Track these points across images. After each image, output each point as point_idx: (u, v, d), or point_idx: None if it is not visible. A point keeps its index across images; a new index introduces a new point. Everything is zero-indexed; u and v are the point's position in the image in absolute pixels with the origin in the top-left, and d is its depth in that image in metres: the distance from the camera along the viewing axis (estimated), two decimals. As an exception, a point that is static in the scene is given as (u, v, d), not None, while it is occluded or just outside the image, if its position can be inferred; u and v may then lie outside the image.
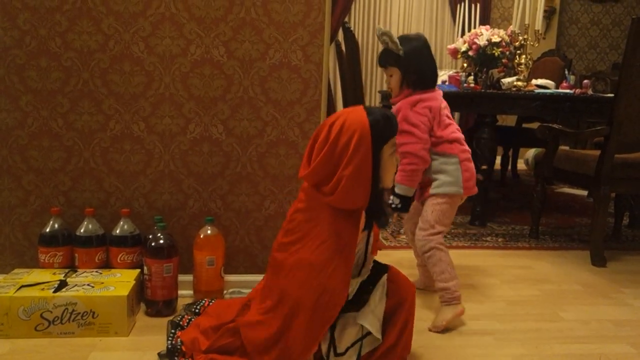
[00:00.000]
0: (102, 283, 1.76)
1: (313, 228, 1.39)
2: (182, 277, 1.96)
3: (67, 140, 1.94)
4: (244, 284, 2.07)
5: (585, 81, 3.45)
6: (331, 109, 5.86)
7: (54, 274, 1.82)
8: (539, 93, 3.11)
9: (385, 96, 5.06)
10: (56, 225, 1.89)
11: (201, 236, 1.94)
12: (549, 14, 5.91)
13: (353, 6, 5.64)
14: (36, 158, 1.93)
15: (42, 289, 1.69)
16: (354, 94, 3.81)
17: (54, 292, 1.68)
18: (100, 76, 1.92)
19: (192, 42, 1.94)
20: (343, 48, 4.09)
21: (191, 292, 2.00)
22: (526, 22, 3.80)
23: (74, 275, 1.82)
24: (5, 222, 1.95)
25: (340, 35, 4.22)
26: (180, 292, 1.94)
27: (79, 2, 1.88)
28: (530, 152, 5.16)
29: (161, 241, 1.84)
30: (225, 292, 2.02)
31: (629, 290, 2.37)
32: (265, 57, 1.98)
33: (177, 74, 1.95)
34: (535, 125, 4.12)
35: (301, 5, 1.96)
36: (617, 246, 3.05)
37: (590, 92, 3.34)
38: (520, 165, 5.72)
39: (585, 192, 4.59)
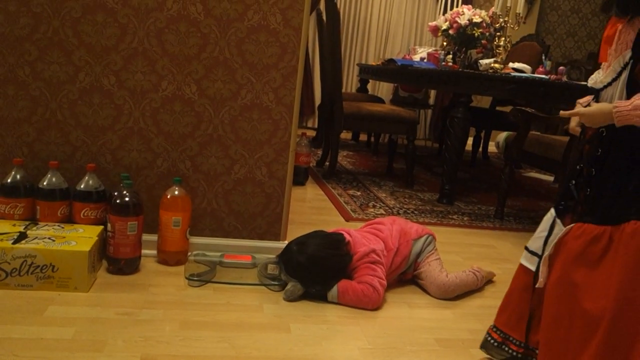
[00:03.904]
0: (64, 237, 1.73)
1: None
2: (146, 237, 1.94)
3: (33, 90, 1.88)
4: (209, 247, 2.06)
5: (561, 68, 3.48)
6: (308, 77, 5.81)
7: (14, 225, 1.78)
8: (514, 76, 3.13)
9: (364, 69, 5.04)
10: (18, 176, 1.84)
11: (168, 196, 1.92)
12: (530, -1, 5.92)
13: (337, -25, 5.56)
14: (0, 107, 1.87)
15: (1, 240, 1.65)
16: (332, 64, 3.77)
17: (13, 243, 1.64)
18: (71, 26, 1.86)
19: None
20: (324, 17, 4.04)
21: (155, 252, 1.98)
22: (508, 4, 3.80)
23: (34, 227, 1.78)
24: (-35, 170, 1.90)
25: (323, 5, 4.16)
26: (143, 251, 1.92)
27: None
28: (502, 136, 5.22)
29: (126, 198, 1.81)
30: (189, 254, 2.01)
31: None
32: (244, 17, 1.93)
33: (152, 29, 1.90)
34: (509, 109, 4.16)
35: (283, -32, 1.92)
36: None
37: (564, 79, 3.37)
38: (492, 148, 5.79)
39: (551, 178, 4.68)
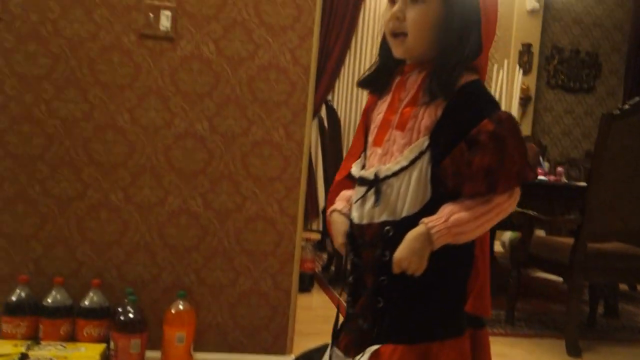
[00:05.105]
0: (65, 358, 1.69)
1: None
2: (149, 353, 1.90)
3: (42, 207, 1.92)
4: (213, 362, 2.01)
5: (559, 169, 3.55)
6: (311, 179, 5.91)
7: (16, 345, 1.74)
8: (514, 178, 3.18)
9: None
10: (22, 294, 1.83)
11: (172, 311, 1.89)
12: (524, 101, 6.14)
13: (336, 84, 5.81)
14: (8, 223, 1.90)
15: (1, 362, 1.62)
16: (334, 170, 3.86)
17: (13, 365, 1.61)
18: (82, 145, 1.92)
19: (177, 115, 1.97)
20: (325, 124, 4.18)
21: (158, 369, 1.93)
22: (503, 108, 3.94)
23: (36, 348, 1.74)
24: (-30, 289, 1.89)
25: (324, 112, 4.33)
26: (146, 369, 1.87)
27: (67, 71, 1.91)
28: (507, 235, 5.21)
29: (130, 315, 1.79)
30: (193, 370, 1.95)
31: (604, 382, 2.34)
32: (248, 133, 2.01)
33: (159, 146, 1.96)
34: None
35: (285, 85, 2.02)
36: (593, 336, 3.03)
37: (564, 179, 3.43)
38: (497, 246, 5.76)
39: (561, 278, 4.61)
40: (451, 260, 1.06)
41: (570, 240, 2.82)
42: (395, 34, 1.07)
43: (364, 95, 6.00)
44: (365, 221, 1.09)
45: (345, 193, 1.20)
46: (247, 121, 2.00)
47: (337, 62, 5.60)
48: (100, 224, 1.95)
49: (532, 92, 6.32)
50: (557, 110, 6.58)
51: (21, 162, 1.90)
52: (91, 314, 1.85)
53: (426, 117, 1.04)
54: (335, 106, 4.51)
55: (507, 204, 1.02)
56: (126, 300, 1.83)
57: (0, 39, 1.87)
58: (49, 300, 1.83)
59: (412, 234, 1.01)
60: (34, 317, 1.83)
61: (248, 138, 2.01)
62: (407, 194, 1.04)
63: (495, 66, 3.88)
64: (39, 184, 1.91)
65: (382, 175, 1.06)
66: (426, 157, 1.03)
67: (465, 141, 0.99)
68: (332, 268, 3.90)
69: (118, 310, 1.81)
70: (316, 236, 5.48)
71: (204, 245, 2.00)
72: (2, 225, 1.89)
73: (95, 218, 1.95)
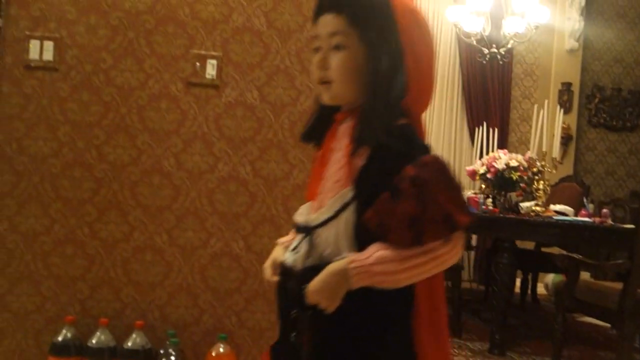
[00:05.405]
0: (108, 399, 1.71)
1: None
2: (189, 397, 1.90)
3: (90, 249, 1.97)
4: (252, 407, 1.99)
5: (604, 210, 3.45)
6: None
7: (61, 386, 1.78)
8: (558, 220, 3.12)
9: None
10: (69, 335, 1.87)
11: (213, 354, 1.90)
12: (565, 140, 6.05)
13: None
14: (58, 265, 1.96)
15: (47, 403, 1.65)
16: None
17: (59, 407, 1.63)
18: (129, 188, 1.99)
19: (221, 159, 2.02)
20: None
21: (198, 413, 1.92)
22: (543, 148, 3.89)
23: (80, 388, 1.77)
24: (19, 328, 1.94)
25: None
26: (186, 412, 1.87)
27: (117, 118, 1.99)
28: (550, 277, 5.07)
29: (172, 357, 1.81)
30: (232, 415, 1.94)
31: None
32: (289, 176, 2.04)
33: (203, 189, 2.01)
34: (554, 249, 4.09)
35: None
36: (645, 386, 2.90)
37: (609, 221, 3.33)
38: (540, 288, 5.60)
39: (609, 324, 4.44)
40: (374, 303, 0.97)
41: (618, 285, 2.73)
42: (322, 82, 1.05)
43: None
44: (297, 266, 1.04)
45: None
46: (289, 165, 2.04)
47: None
48: (145, 266, 1.99)
49: (573, 131, 6.23)
50: (599, 149, 6.46)
51: (71, 205, 1.96)
52: (134, 355, 1.87)
53: (352, 167, 1.00)
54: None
55: (444, 250, 0.94)
56: (168, 343, 1.85)
57: (55, 88, 1.96)
58: (94, 341, 1.87)
59: (331, 267, 0.95)
60: (79, 358, 1.87)
61: (289, 181, 2.04)
62: (335, 245, 0.99)
63: (536, 106, 3.86)
64: (88, 227, 1.97)
65: (311, 225, 1.03)
66: (351, 208, 0.98)
67: (390, 190, 0.94)
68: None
69: (160, 353, 1.83)
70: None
71: (245, 287, 2.02)
72: (51, 267, 1.95)
73: (140, 260, 1.99)
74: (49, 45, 1.96)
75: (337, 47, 1.03)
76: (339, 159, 1.03)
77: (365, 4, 1.03)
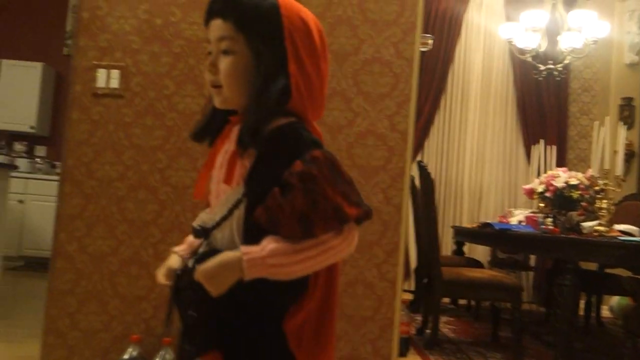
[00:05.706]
0: (172, 418, 1.74)
1: None
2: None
3: (153, 269, 2.02)
4: None
5: (673, 229, 3.30)
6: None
7: (127, 404, 1.82)
8: (624, 241, 3.00)
9: (459, 232, 5.03)
10: (134, 353, 1.92)
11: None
12: (628, 157, 5.84)
13: (426, 143, 5.82)
14: (124, 285, 2.02)
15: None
16: (427, 229, 3.81)
17: None
18: (190, 209, 2.04)
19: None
20: (416, 182, 4.17)
21: None
22: (605, 166, 3.76)
23: (145, 407, 1.81)
24: (87, 346, 2.01)
25: (414, 170, 4.33)
26: None
27: (179, 142, 2.05)
28: (615, 299, 4.87)
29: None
30: None
31: None
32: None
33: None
34: (619, 270, 3.92)
35: (383, 151, 2.05)
36: None
37: (680, 241, 3.18)
38: (605, 311, 5.37)
39: (680, 348, 4.21)
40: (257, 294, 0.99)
41: (692, 309, 2.59)
42: (213, 85, 1.07)
43: (453, 156, 5.95)
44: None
45: (190, 238, 1.17)
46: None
47: (426, 122, 5.63)
48: (206, 286, 2.03)
49: (636, 148, 6.01)
50: (664, 165, 6.19)
51: (136, 226, 2.03)
52: (196, 375, 1.90)
53: (242, 167, 1.02)
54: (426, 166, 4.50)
55: (336, 242, 0.95)
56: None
57: (121, 114, 2.05)
58: (158, 360, 1.91)
59: (225, 257, 0.96)
60: (144, 376, 1.91)
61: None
62: (231, 243, 1.00)
63: (596, 123, 3.75)
64: (152, 247, 2.03)
65: (208, 226, 1.05)
66: (243, 206, 1.00)
67: (280, 186, 0.95)
68: (428, 331, 3.79)
69: (222, 372, 1.85)
70: (409, 297, 5.37)
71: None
72: (117, 286, 2.02)
73: (201, 280, 2.03)
74: (115, 73, 2.06)
75: (225, 52, 1.04)
76: (227, 160, 1.05)
77: (252, 9, 1.04)
